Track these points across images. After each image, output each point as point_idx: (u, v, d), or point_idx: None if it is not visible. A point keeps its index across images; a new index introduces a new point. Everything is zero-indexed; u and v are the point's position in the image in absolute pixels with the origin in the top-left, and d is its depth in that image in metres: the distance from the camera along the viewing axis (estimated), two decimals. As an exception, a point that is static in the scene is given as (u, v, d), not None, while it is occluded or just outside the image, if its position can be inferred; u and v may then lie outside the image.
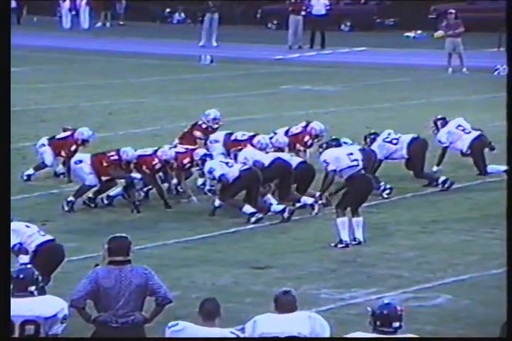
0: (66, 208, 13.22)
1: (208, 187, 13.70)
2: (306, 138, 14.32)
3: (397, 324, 6.58)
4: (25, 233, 9.78)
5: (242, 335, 6.84)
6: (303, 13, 29.77)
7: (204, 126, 14.66)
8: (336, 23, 33.05)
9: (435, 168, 14.76)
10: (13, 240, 9.72)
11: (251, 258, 11.50)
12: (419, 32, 32.75)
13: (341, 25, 34.48)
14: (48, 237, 9.81)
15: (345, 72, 25.61)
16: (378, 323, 6.57)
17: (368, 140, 14.43)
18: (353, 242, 11.78)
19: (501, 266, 11.14)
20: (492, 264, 11.20)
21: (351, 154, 12.00)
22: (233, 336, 6.79)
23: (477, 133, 14.82)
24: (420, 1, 32.84)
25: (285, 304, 6.78)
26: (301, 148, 14.27)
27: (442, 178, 14.24)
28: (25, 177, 14.58)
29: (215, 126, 14.71)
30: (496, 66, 25.46)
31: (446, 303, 10.18)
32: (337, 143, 12.85)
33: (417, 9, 33.03)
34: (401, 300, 9.55)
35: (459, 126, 14.91)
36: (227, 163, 13.05)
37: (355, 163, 11.90)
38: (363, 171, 12.04)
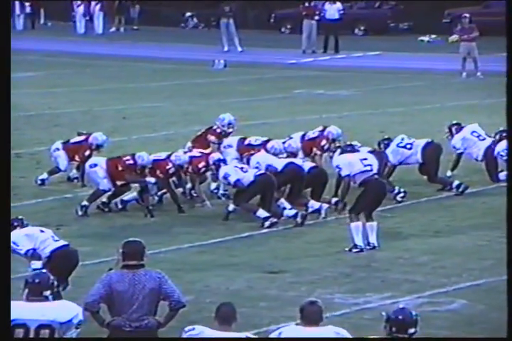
0: (80, 213, 13.23)
1: (221, 192, 13.70)
2: (323, 142, 14.30)
3: (412, 330, 6.55)
4: (38, 238, 9.79)
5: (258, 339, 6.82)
6: (316, 17, 29.79)
7: (218, 130, 14.65)
8: (349, 28, 33.04)
9: (449, 173, 14.71)
10: (27, 245, 9.73)
11: (265, 262, 11.48)
12: (433, 36, 32.72)
13: (355, 30, 34.46)
14: (62, 243, 9.81)
15: (358, 77, 25.59)
16: (394, 329, 6.54)
17: (382, 145, 14.40)
18: (367, 247, 11.75)
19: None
20: (503, 269, 11.15)
21: (365, 159, 11.98)
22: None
23: (491, 140, 14.76)
24: (434, 6, 32.80)
25: (311, 314, 6.73)
26: (318, 152, 14.26)
27: (456, 182, 14.20)
28: (39, 182, 14.59)
29: (229, 130, 14.70)
30: (510, 70, 25.38)
31: (461, 308, 10.14)
32: (351, 149, 12.84)
33: (431, 13, 33.00)
34: (415, 305, 9.53)
35: (474, 132, 14.85)
36: (241, 168, 13.05)
37: (368, 167, 11.88)
38: (376, 176, 12.02)
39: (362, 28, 34.78)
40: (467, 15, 27.01)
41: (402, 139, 14.47)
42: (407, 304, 6.93)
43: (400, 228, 12.73)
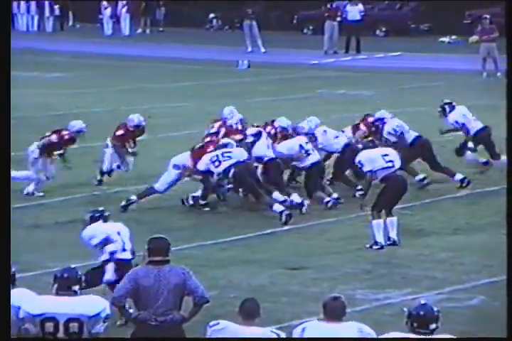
0: (123, 204, 13.21)
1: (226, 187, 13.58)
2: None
3: (433, 325, 6.54)
4: (112, 240, 9.58)
5: (282, 335, 6.81)
6: (338, 18, 29.77)
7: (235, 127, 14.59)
8: (370, 29, 32.97)
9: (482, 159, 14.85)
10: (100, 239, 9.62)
11: (286, 259, 11.47)
12: (453, 37, 32.60)
13: (376, 31, 34.39)
14: (126, 256, 9.54)
15: (380, 77, 25.54)
16: (415, 325, 6.52)
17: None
18: (388, 242, 11.72)
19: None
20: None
21: (386, 155, 11.92)
22: (274, 335, 6.76)
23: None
24: (455, 7, 32.68)
25: (334, 310, 6.72)
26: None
27: (460, 176, 14.21)
28: (96, 183, 14.54)
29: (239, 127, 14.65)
30: (529, 70, 25.31)
31: (480, 304, 10.12)
32: (373, 145, 12.78)
33: (451, 14, 32.88)
34: (435, 301, 9.49)
35: (464, 115, 14.98)
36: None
37: (389, 164, 11.82)
38: (397, 172, 11.97)
39: (383, 29, 34.70)
40: (487, 16, 26.90)
41: (397, 126, 14.48)
42: (426, 300, 6.88)
43: (419, 225, 12.70)
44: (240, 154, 13.14)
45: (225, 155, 13.04)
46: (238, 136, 14.06)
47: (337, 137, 14.18)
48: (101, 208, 10.01)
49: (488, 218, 13.04)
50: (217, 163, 13.03)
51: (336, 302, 6.79)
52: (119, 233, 9.64)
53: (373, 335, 6.65)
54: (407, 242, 11.93)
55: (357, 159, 12.19)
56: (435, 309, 6.60)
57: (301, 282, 10.65)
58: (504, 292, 10.41)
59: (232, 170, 12.94)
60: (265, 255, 11.62)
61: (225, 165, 12.98)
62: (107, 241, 9.53)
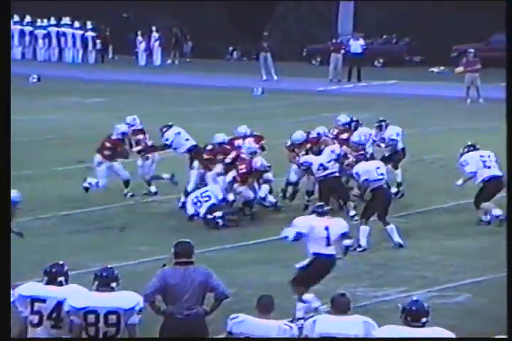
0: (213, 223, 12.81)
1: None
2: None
3: (424, 319, 6.49)
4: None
5: (294, 327, 6.76)
6: (342, 51, 29.77)
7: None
8: (370, 60, 32.91)
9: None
10: None
11: (297, 260, 11.39)
12: (442, 68, 32.54)
13: (375, 62, 34.33)
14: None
15: (378, 102, 25.47)
16: (409, 318, 6.48)
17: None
18: (396, 246, 11.68)
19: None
20: (505, 267, 11.01)
21: (378, 168, 11.91)
22: (287, 328, 6.72)
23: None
24: (443, 42, 32.65)
25: (341, 305, 6.71)
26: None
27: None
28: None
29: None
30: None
31: (466, 301, 10.04)
32: (365, 158, 12.72)
33: (440, 48, 32.83)
34: (426, 297, 9.42)
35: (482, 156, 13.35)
36: None
37: (380, 176, 11.80)
38: (385, 185, 11.94)
39: (381, 60, 34.66)
40: (472, 50, 26.87)
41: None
42: (419, 297, 6.83)
43: (413, 231, 12.62)
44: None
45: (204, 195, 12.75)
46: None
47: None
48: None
49: (472, 226, 12.96)
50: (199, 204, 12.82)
51: (343, 298, 6.75)
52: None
53: (375, 326, 6.59)
54: (404, 246, 11.85)
55: (354, 170, 12.15)
56: (426, 305, 6.55)
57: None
58: (487, 290, 10.36)
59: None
60: (277, 257, 11.55)
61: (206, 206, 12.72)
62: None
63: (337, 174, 13.01)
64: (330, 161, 13.07)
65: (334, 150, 13.29)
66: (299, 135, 14.15)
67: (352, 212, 12.73)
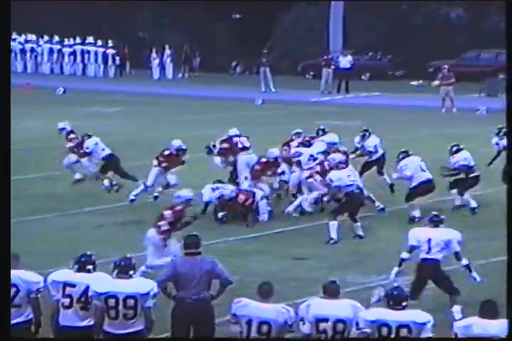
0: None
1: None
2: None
3: (405, 303, 6.48)
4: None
5: (291, 310, 6.74)
6: (332, 67, 29.77)
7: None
8: (357, 74, 32.88)
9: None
10: None
11: (293, 251, 11.39)
12: (420, 81, 32.50)
13: (362, 76, 34.28)
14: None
15: (365, 112, 25.46)
16: (391, 302, 6.47)
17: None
18: (357, 237, 11.73)
19: (484, 258, 10.94)
20: (477, 256, 11.02)
21: (349, 176, 11.93)
22: (284, 311, 6.71)
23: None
24: (422, 58, 32.68)
25: (332, 290, 6.70)
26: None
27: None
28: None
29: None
30: (477, 107, 25.32)
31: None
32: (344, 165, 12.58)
33: (419, 64, 32.83)
34: (406, 284, 9.38)
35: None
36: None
37: (351, 182, 11.81)
38: (357, 190, 11.90)
39: (367, 74, 34.61)
40: (446, 66, 26.89)
41: None
42: (400, 283, 6.81)
43: (395, 225, 12.55)
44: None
45: None
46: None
47: None
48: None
49: (446, 219, 12.83)
50: None
51: (334, 284, 6.75)
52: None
53: (363, 309, 6.58)
54: (386, 240, 11.83)
55: (328, 177, 12.12)
56: (406, 290, 6.53)
57: (306, 269, 10.57)
58: (460, 276, 10.32)
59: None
60: (277, 248, 11.54)
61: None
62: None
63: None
64: (319, 153, 13.06)
65: (324, 140, 13.37)
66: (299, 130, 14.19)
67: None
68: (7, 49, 6.30)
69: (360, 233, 11.91)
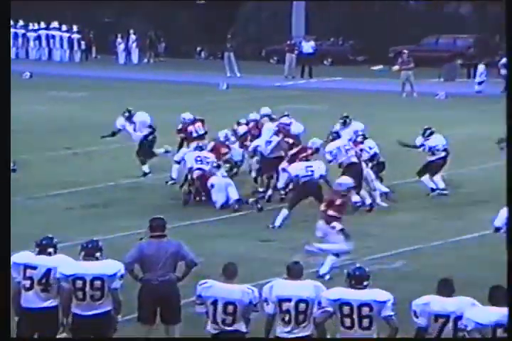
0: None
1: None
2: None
3: (366, 282, 6.52)
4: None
5: (255, 290, 6.76)
6: (296, 52, 29.75)
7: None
8: (320, 59, 32.91)
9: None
10: None
11: (258, 233, 11.42)
12: (381, 66, 32.63)
13: (324, 61, 34.32)
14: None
15: (327, 96, 25.52)
16: (353, 282, 6.51)
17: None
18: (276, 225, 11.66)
19: (441, 239, 11.08)
20: (434, 237, 11.14)
21: (310, 166, 11.93)
22: (249, 291, 6.73)
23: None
24: (382, 44, 32.79)
25: (295, 271, 6.71)
26: None
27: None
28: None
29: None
30: (436, 92, 25.50)
31: (401, 267, 10.11)
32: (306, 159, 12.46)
33: (380, 49, 32.95)
34: (368, 264, 9.47)
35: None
36: None
37: (309, 173, 11.81)
38: (314, 179, 11.85)
39: (329, 60, 34.66)
40: (406, 51, 26.98)
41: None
42: (362, 264, 6.86)
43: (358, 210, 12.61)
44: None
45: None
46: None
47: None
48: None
49: (407, 202, 13.02)
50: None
51: (297, 265, 6.77)
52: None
53: (324, 289, 6.61)
54: (348, 221, 11.89)
55: (289, 169, 12.15)
56: (367, 270, 6.59)
57: (269, 251, 10.60)
58: (419, 257, 10.44)
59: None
60: (241, 231, 11.56)
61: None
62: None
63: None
64: (272, 136, 13.00)
65: (270, 128, 13.35)
66: (267, 109, 14.05)
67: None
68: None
69: (276, 224, 11.65)
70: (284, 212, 11.71)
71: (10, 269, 6.85)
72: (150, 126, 14.72)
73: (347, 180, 10.07)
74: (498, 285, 6.15)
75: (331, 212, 9.75)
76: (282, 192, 12.79)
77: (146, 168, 14.47)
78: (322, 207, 9.87)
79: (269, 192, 12.90)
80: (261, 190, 12.84)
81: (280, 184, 12.73)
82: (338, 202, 9.78)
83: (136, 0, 36.33)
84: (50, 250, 7.07)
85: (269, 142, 13.13)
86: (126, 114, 14.47)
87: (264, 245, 10.89)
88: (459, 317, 6.17)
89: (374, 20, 33.89)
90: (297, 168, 11.98)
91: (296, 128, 14.02)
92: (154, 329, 7.48)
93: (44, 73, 29.78)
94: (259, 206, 12.46)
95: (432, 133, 13.39)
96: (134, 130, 14.44)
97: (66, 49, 35.77)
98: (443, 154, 13.24)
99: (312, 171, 11.88)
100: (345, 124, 14.17)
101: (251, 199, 12.60)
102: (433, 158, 13.24)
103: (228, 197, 12.50)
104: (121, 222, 11.79)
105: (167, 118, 21.09)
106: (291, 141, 13.31)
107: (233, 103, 24.04)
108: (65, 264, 6.99)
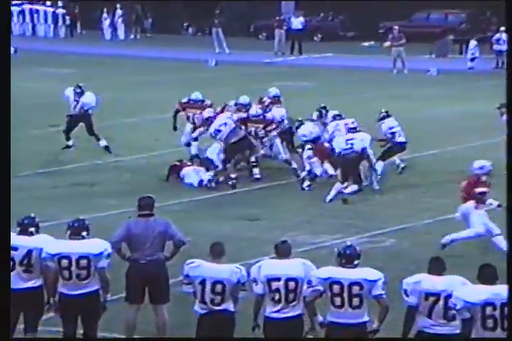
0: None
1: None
2: None
3: (356, 261, 6.53)
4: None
5: (243, 269, 6.76)
6: (285, 27, 29.61)
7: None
8: (310, 35, 32.78)
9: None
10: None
11: (247, 212, 11.42)
12: (372, 43, 32.52)
13: (314, 37, 34.17)
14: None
15: (317, 72, 25.44)
16: (343, 261, 6.52)
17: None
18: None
19: (431, 217, 11.12)
20: (424, 216, 11.17)
21: (350, 139, 11.87)
22: (237, 270, 6.73)
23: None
24: (373, 19, 32.66)
25: (283, 250, 6.71)
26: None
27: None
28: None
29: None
30: (428, 68, 25.46)
31: (391, 245, 10.14)
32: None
33: (370, 25, 32.83)
34: (358, 243, 9.49)
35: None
36: None
37: (349, 146, 11.80)
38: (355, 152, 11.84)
39: (319, 35, 34.50)
40: (397, 27, 26.92)
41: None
42: (352, 243, 6.87)
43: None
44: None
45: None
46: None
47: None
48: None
49: (395, 182, 12.98)
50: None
51: (284, 244, 6.77)
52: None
53: (314, 268, 6.60)
54: (338, 201, 11.90)
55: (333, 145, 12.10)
56: (358, 249, 6.60)
57: (258, 230, 10.61)
58: (409, 236, 10.47)
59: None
60: (230, 210, 11.55)
61: None
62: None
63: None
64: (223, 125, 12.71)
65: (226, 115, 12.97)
66: (246, 98, 14.01)
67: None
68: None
69: (329, 198, 11.60)
70: (338, 185, 11.67)
71: (10, 272, 6.81)
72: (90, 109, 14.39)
73: (486, 163, 9.85)
74: (487, 264, 6.18)
75: (480, 189, 9.50)
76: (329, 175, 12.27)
77: (69, 142, 14.24)
78: (464, 188, 9.58)
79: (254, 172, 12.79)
80: (233, 176, 12.59)
81: (330, 171, 12.26)
82: (482, 179, 9.56)
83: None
84: (32, 230, 7.05)
85: (224, 124, 12.60)
86: (78, 90, 14.35)
87: (252, 224, 10.90)
88: (450, 296, 6.19)
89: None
90: (339, 143, 11.91)
91: (277, 112, 13.77)
92: (142, 308, 7.48)
93: (29, 49, 29.54)
94: (230, 183, 12.38)
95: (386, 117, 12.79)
96: (74, 108, 14.34)
97: (50, 24, 35.44)
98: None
99: (352, 144, 11.82)
100: (321, 116, 13.50)
101: (221, 178, 12.53)
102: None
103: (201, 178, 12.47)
104: (108, 201, 11.77)
105: (154, 95, 21.02)
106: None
107: (223, 80, 23.94)
108: (51, 244, 6.97)
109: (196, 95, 14.25)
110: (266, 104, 14.08)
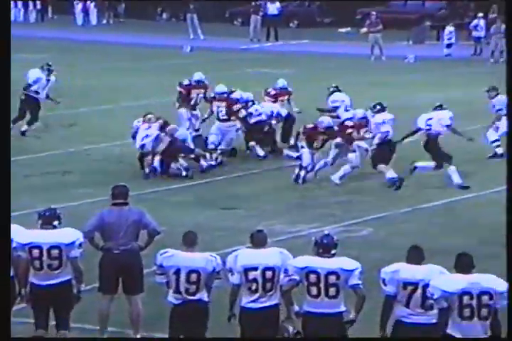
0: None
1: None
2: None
3: (334, 251, 6.54)
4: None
5: (218, 258, 6.75)
6: (261, 13, 29.54)
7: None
8: (286, 22, 32.75)
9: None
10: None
11: (222, 202, 11.41)
12: (349, 29, 32.56)
13: (290, 23, 34.15)
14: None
15: (294, 59, 25.43)
16: (321, 250, 6.52)
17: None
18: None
19: (408, 206, 11.18)
20: (402, 205, 11.22)
21: (430, 119, 11.89)
22: (212, 258, 6.72)
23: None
24: (350, 5, 32.68)
25: (259, 240, 6.69)
26: None
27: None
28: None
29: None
30: (406, 55, 25.54)
31: (368, 234, 10.18)
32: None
33: (347, 11, 32.86)
34: (335, 232, 9.51)
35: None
36: None
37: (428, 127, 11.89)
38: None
39: (295, 22, 34.48)
40: (374, 13, 26.95)
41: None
42: (329, 232, 6.89)
43: (326, 177, 12.64)
44: None
45: None
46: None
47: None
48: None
49: (370, 168, 12.99)
50: None
51: (260, 233, 6.77)
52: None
53: (290, 257, 6.59)
54: (318, 188, 11.92)
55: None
56: (335, 238, 6.61)
57: (234, 219, 10.61)
58: (386, 225, 10.51)
59: None
60: (206, 199, 11.54)
61: None
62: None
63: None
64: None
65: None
66: (223, 87, 14.00)
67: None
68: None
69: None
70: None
71: (9, 275, 6.74)
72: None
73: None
74: (464, 253, 6.22)
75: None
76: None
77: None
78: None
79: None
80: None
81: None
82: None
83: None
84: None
85: (146, 137, 12.40)
86: (46, 68, 14.34)
87: (228, 213, 10.89)
88: (428, 285, 6.23)
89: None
90: (421, 120, 11.85)
91: (267, 106, 13.91)
92: (116, 298, 7.46)
93: (-2, 34, 29.22)
94: (184, 174, 12.31)
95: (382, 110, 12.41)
96: (44, 88, 14.33)
97: (20, 8, 35.10)
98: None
99: (430, 125, 11.84)
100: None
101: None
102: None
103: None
104: (81, 190, 11.71)
105: (128, 82, 20.90)
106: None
107: (198, 66, 23.81)
108: (21, 233, 6.93)
109: (200, 75, 14.53)
110: (271, 94, 14.25)
